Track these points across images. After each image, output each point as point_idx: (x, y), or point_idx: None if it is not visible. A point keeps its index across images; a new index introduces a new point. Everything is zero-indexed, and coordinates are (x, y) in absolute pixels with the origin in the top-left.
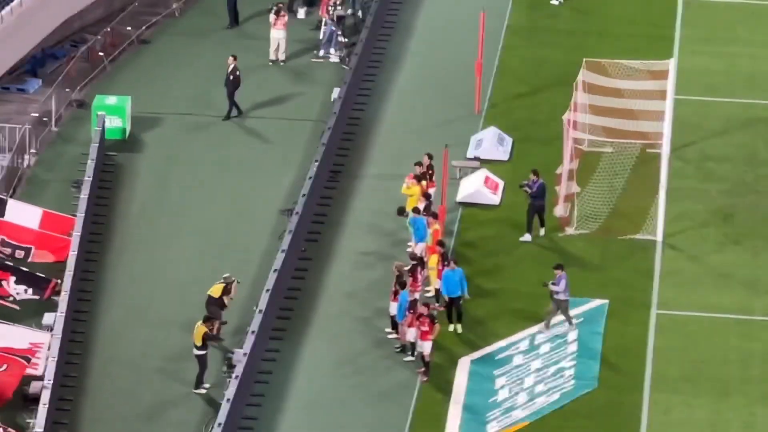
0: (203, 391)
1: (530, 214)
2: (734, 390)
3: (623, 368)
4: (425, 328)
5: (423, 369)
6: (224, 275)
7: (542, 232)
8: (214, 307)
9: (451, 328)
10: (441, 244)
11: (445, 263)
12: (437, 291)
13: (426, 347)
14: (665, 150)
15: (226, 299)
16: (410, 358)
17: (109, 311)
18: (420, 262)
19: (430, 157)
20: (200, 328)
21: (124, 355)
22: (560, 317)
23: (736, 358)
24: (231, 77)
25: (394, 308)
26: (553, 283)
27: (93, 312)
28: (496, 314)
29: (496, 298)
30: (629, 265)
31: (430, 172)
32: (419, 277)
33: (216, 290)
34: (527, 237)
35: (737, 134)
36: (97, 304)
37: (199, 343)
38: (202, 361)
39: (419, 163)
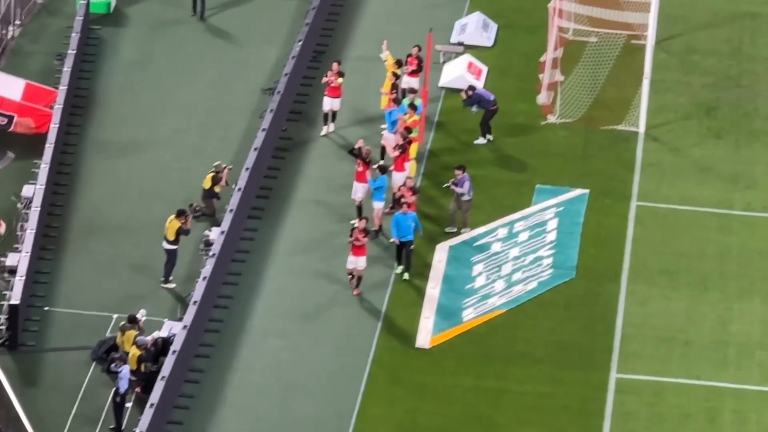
0: (172, 285)
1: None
2: (711, 284)
3: (601, 258)
4: (359, 243)
5: (356, 286)
6: (215, 163)
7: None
8: (208, 200)
9: (399, 269)
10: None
11: (392, 207)
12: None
13: (360, 262)
14: (650, 42)
15: (217, 188)
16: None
17: (89, 185)
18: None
19: (419, 48)
20: (173, 223)
21: (103, 229)
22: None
23: (715, 252)
24: None
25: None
26: (455, 183)
27: (72, 185)
28: (475, 202)
29: (476, 185)
30: (611, 155)
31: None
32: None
33: (207, 181)
34: (481, 140)
35: (723, 28)
36: (76, 178)
37: (171, 238)
38: (171, 255)
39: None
